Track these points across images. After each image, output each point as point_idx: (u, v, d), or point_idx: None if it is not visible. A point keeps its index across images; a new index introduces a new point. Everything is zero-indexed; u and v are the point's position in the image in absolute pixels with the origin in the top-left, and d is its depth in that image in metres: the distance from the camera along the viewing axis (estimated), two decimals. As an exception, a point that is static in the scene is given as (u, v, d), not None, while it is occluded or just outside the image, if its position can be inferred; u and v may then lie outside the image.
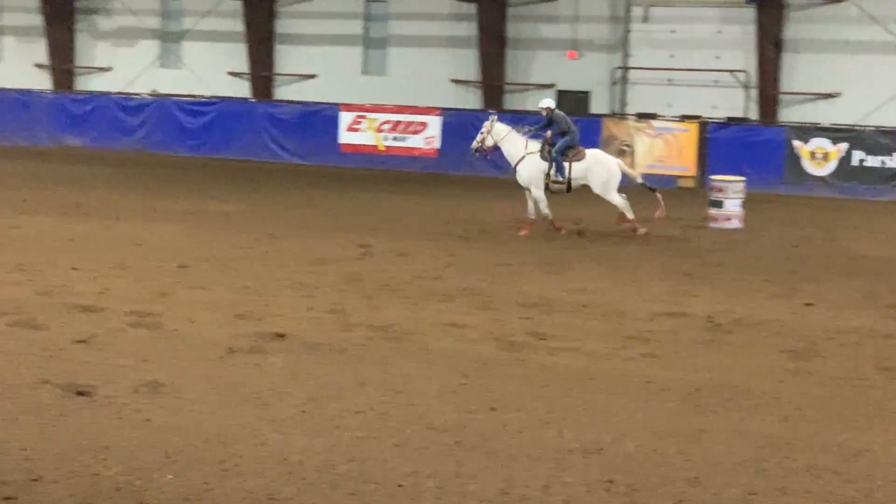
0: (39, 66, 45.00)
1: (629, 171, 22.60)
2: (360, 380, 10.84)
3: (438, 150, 36.65)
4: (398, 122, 37.26)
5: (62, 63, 44.84)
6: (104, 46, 45.03)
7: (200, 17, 43.13)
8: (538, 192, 22.18)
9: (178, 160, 37.49)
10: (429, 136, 36.82)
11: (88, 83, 44.95)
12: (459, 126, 36.47)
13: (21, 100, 42.00)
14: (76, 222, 21.42)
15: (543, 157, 22.16)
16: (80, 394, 9.96)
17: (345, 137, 37.92)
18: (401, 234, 21.73)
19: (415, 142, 37.02)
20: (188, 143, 39.52)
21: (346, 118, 37.93)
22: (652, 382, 11.03)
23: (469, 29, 39.07)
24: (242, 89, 42.43)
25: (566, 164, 22.06)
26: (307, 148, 38.25)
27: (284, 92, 42.25)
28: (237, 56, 42.56)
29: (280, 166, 36.88)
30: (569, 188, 22.25)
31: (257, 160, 37.82)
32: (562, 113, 22.57)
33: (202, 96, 41.12)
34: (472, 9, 38.77)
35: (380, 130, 37.57)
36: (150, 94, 41.78)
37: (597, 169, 22.10)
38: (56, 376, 10.45)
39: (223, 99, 40.57)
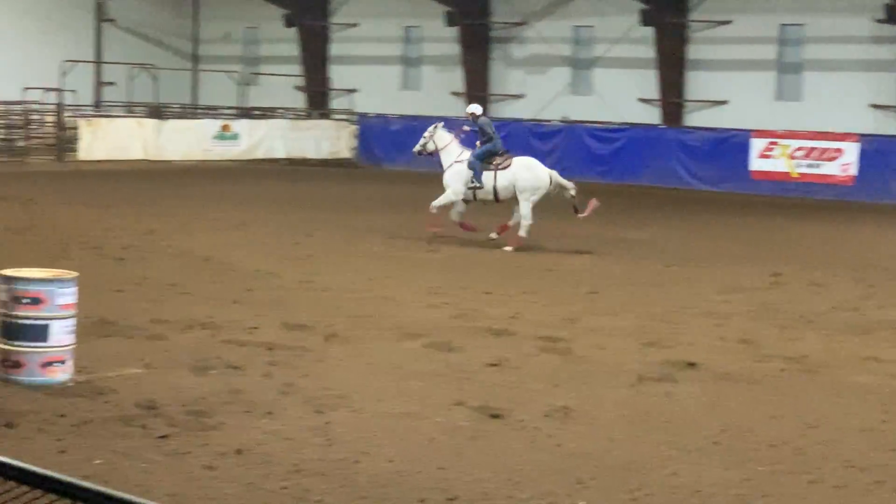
0: (455, 94, 46.40)
1: (563, 181, 22.50)
2: (774, 412, 10.56)
3: (855, 177, 35.48)
4: (812, 149, 36.32)
5: (476, 91, 46.06)
6: (517, 74, 45.99)
7: (611, 44, 43.40)
8: (453, 195, 22.64)
9: (588, 186, 37.70)
10: (845, 163, 35.70)
11: (502, 110, 45.99)
12: (879, 153, 35.24)
13: (438, 127, 43.33)
14: (488, 247, 21.87)
15: (469, 167, 22.50)
16: (493, 416, 10.11)
17: (756, 164, 37.28)
18: (814, 263, 21.13)
19: (830, 169, 35.98)
20: (597, 170, 39.73)
21: (757, 145, 37.30)
22: None
23: (891, 52, 37.68)
24: (652, 116, 42.39)
25: (490, 173, 22.34)
26: (717, 175, 37.83)
27: (695, 118, 41.94)
28: (647, 82, 42.56)
29: (689, 193, 36.61)
30: (496, 198, 22.49)
31: (666, 187, 37.66)
32: (487, 119, 23.62)
33: (612, 123, 41.33)
34: (895, 31, 37.36)
35: (793, 157, 36.74)
36: (561, 121, 42.33)
37: (524, 175, 22.39)
38: (470, 398, 10.65)
39: (633, 125, 40.67)
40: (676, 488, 8.42)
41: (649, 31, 41.86)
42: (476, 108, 23.48)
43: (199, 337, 13.02)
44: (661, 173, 38.62)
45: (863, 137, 35.67)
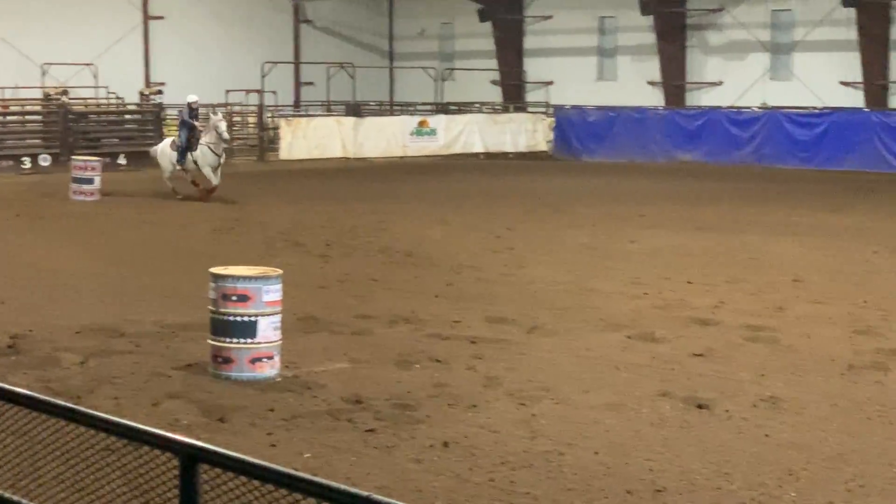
0: (652, 83, 45.99)
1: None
2: None
3: None
4: None
5: (674, 79, 45.58)
6: (714, 61, 45.33)
7: (812, 28, 42.49)
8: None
9: (789, 173, 37.07)
10: None
11: (699, 98, 45.43)
12: None
13: (635, 117, 43.07)
14: (690, 237, 21.64)
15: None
16: (699, 407, 9.99)
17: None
18: None
19: None
20: (799, 156, 38.99)
21: (968, 125, 36.12)
22: None
23: None
24: (855, 99, 41.34)
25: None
26: (924, 157, 36.73)
27: (899, 100, 40.78)
28: (850, 65, 41.53)
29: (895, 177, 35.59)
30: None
31: (872, 172, 36.67)
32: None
33: (813, 108, 40.46)
34: None
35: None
36: (760, 108, 41.61)
37: None
38: (676, 389, 10.55)
39: (835, 110, 39.73)
40: (894, 479, 8.19)
41: (851, 13, 40.84)
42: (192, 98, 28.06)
43: (403, 331, 13.16)
44: (866, 158, 37.63)
45: None
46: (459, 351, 12.12)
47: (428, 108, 46.90)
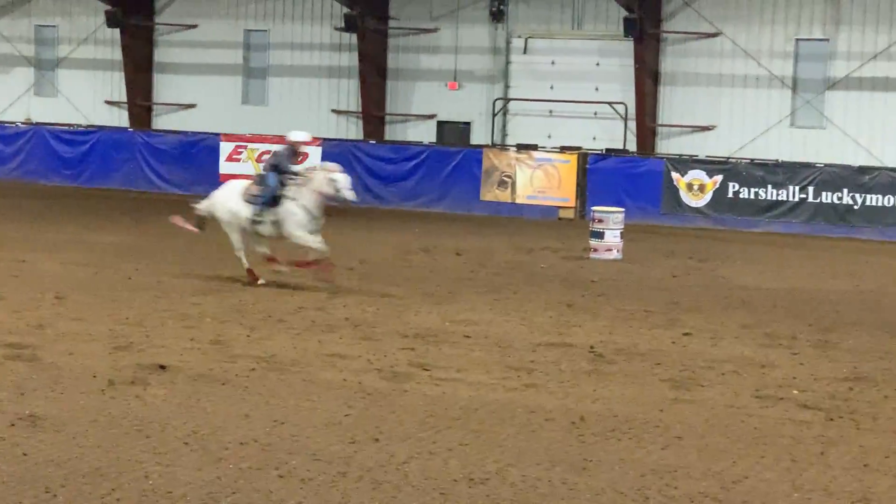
0: (-90, 93, 44.17)
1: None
2: (244, 411, 10.78)
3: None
4: (278, 153, 37.11)
5: (-67, 90, 44.04)
6: (-23, 74, 44.35)
7: (76, 45, 42.61)
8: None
9: (55, 189, 36.96)
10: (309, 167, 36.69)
11: (-44, 112, 44.21)
12: (340, 156, 36.37)
13: None
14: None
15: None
16: (-44, 428, 9.78)
17: (225, 167, 37.62)
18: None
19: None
20: (65, 173, 38.96)
21: (226, 148, 37.67)
22: (535, 412, 11.11)
23: (350, 59, 39.08)
24: (120, 118, 41.96)
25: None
26: (187, 178, 37.85)
27: (164, 121, 41.86)
28: (115, 85, 42.10)
29: (160, 196, 36.43)
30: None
31: (137, 190, 37.39)
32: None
33: (79, 125, 40.59)
34: (352, 39, 38.77)
35: (260, 160, 37.35)
36: (25, 123, 41.13)
37: None
38: (-70, 410, 10.25)
39: (101, 128, 40.08)
40: (148, 491, 8.43)
41: (115, 33, 41.39)
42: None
43: None
44: (131, 176, 38.28)
45: (325, 141, 36.79)
46: None
47: None
